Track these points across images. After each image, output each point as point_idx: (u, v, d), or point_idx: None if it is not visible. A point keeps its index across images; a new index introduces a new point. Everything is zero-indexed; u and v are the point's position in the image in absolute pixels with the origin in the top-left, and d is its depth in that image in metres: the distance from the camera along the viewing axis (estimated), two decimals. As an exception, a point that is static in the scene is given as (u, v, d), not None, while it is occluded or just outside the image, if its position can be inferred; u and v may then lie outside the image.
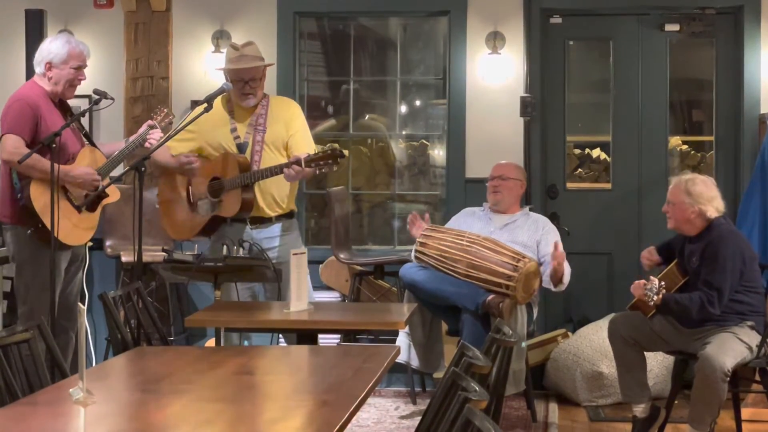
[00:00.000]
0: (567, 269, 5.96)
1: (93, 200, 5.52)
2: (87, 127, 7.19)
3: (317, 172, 5.42)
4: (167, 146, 5.71)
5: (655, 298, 5.20)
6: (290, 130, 5.73)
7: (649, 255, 5.67)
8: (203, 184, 5.72)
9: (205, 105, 5.38)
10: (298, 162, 5.39)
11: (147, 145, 5.63)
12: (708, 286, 5.26)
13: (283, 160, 5.61)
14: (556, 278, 5.91)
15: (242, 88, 5.69)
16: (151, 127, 5.67)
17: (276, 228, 5.75)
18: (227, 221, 5.72)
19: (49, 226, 5.25)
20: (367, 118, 7.80)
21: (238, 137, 5.71)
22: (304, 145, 5.71)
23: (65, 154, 5.43)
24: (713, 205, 5.36)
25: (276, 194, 5.71)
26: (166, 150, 5.73)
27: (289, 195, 5.79)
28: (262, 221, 5.73)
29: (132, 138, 5.70)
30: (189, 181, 5.77)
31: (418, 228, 6.03)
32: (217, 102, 5.65)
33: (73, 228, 5.46)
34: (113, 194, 5.64)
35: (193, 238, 5.81)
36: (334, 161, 5.38)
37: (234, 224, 5.71)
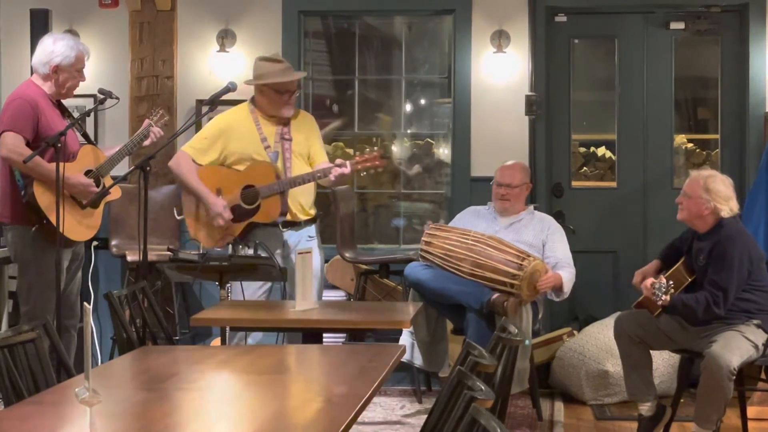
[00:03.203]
0: (566, 278, 5.93)
1: (96, 198, 5.52)
2: (92, 127, 7.23)
3: (363, 173, 6.00)
4: (195, 165, 5.84)
5: (664, 298, 5.19)
6: (311, 141, 5.98)
7: (639, 279, 5.60)
8: (234, 192, 5.79)
9: (210, 105, 5.44)
10: (343, 165, 5.70)
11: (148, 143, 5.66)
12: (714, 286, 5.25)
13: (308, 169, 5.87)
14: (555, 288, 5.90)
15: (285, 98, 5.88)
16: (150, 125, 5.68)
17: (305, 231, 5.95)
18: (259, 225, 5.83)
19: (54, 222, 5.26)
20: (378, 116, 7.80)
21: (269, 147, 5.87)
22: (323, 154, 6.03)
23: (66, 153, 5.41)
24: (729, 205, 5.35)
25: (303, 202, 5.92)
26: (193, 171, 5.86)
27: (312, 202, 6.02)
28: (293, 224, 5.90)
29: (135, 134, 5.72)
30: (218, 191, 5.83)
31: None
32: (242, 113, 5.85)
33: (77, 224, 5.47)
34: (114, 192, 5.64)
35: (225, 244, 5.86)
36: (381, 164, 5.83)
37: (266, 228, 5.84)
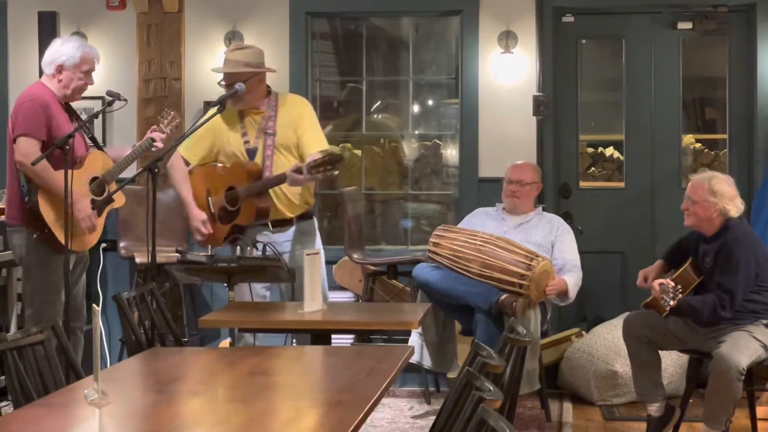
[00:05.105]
0: (572, 283, 5.93)
1: (99, 205, 5.51)
2: (100, 129, 7.24)
3: (320, 177, 5.43)
4: (185, 168, 5.73)
5: (672, 303, 5.18)
6: (299, 130, 5.68)
7: (642, 281, 5.61)
8: (220, 194, 5.72)
9: (218, 106, 5.41)
10: (299, 170, 5.40)
11: (153, 149, 5.65)
12: (721, 289, 5.24)
13: (294, 162, 5.59)
14: (561, 294, 5.90)
15: (226, 88, 5.65)
16: (156, 131, 5.65)
17: (291, 232, 5.75)
18: (247, 227, 5.71)
19: (54, 231, 5.27)
20: (380, 117, 7.80)
21: (247, 142, 5.68)
22: (315, 143, 5.68)
23: (72, 158, 5.39)
24: (735, 203, 5.35)
25: (290, 194, 5.68)
26: (184, 175, 5.74)
27: (303, 192, 5.73)
28: (283, 224, 5.72)
29: (139, 143, 5.70)
30: (208, 193, 5.76)
31: None
32: (230, 105, 5.66)
33: (79, 234, 5.43)
34: (119, 200, 5.63)
35: (221, 245, 5.78)
36: (333, 166, 5.37)
37: (256, 227, 5.70)
